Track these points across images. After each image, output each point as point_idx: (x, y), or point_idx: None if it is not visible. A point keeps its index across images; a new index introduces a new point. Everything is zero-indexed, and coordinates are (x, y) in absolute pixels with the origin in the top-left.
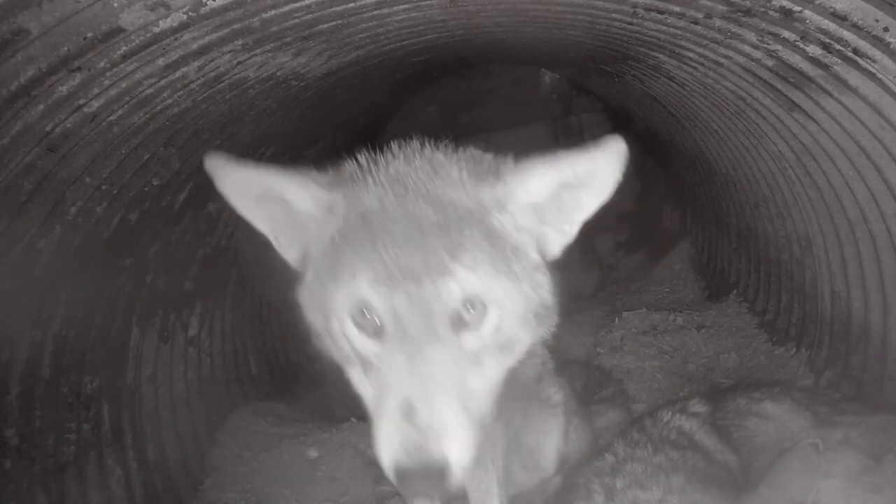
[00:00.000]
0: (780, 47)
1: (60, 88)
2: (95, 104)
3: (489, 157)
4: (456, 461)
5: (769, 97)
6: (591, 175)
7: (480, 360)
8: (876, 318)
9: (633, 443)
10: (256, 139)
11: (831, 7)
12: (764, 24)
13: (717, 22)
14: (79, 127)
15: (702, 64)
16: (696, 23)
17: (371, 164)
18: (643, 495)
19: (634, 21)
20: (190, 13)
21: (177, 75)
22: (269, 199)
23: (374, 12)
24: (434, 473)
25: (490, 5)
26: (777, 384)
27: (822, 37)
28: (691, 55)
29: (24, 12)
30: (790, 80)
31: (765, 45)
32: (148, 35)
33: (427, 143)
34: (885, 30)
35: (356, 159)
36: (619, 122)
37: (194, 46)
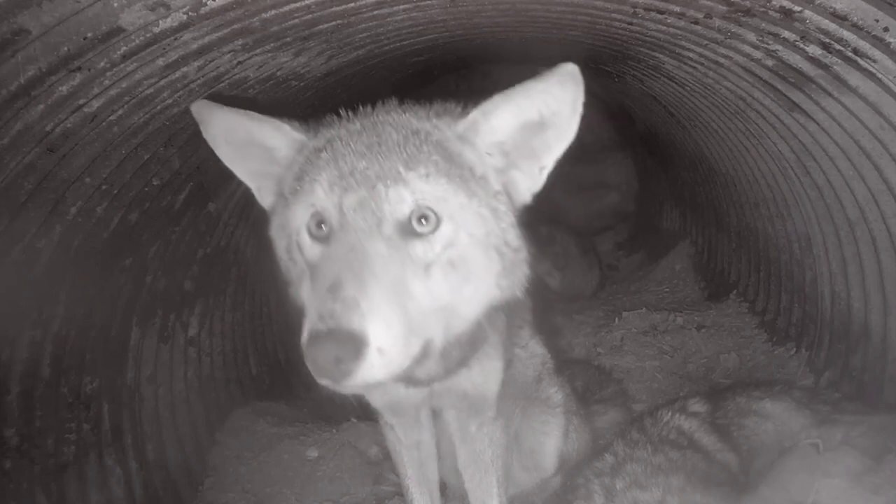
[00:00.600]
0: (780, 47)
1: (60, 88)
2: (95, 104)
3: (459, 106)
4: (374, 338)
5: (769, 97)
6: (552, 109)
7: (429, 271)
8: (876, 318)
9: (632, 443)
10: None
11: (831, 7)
12: (764, 24)
13: (717, 22)
14: (79, 127)
15: (702, 64)
16: (696, 23)
17: (347, 112)
18: (643, 496)
19: (634, 21)
20: (190, 13)
21: (177, 75)
22: (252, 146)
23: (374, 12)
24: (346, 345)
25: (490, 5)
26: (777, 383)
27: (822, 37)
28: (691, 55)
29: (24, 12)
30: (790, 80)
31: (765, 45)
32: (148, 35)
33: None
34: (885, 30)
35: (336, 112)
36: (619, 122)
37: (194, 46)
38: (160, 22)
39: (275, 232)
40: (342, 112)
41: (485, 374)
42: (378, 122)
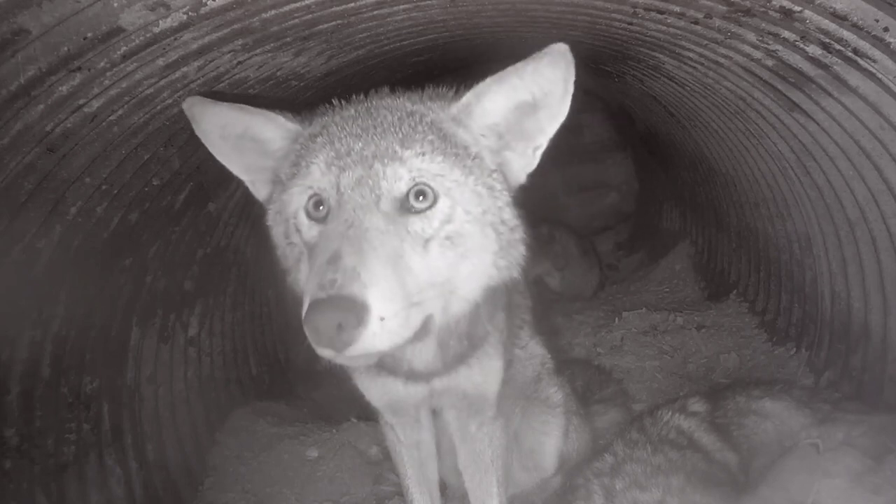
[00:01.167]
0: (780, 47)
1: (60, 88)
2: (95, 104)
3: (451, 90)
4: (375, 306)
5: (769, 97)
6: (544, 90)
7: (428, 247)
8: (876, 318)
9: (632, 443)
10: None
11: (831, 7)
12: (764, 24)
13: (717, 22)
14: (79, 127)
15: (702, 64)
16: (696, 23)
17: (341, 101)
18: (642, 496)
19: (634, 21)
20: (190, 13)
21: (177, 75)
22: (245, 141)
23: (374, 12)
24: (348, 312)
25: (490, 5)
26: (777, 382)
27: (822, 37)
28: (691, 55)
29: (24, 12)
30: (790, 80)
31: (765, 45)
32: (148, 35)
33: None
34: (885, 30)
35: (329, 101)
36: (619, 122)
37: (194, 46)
38: (160, 22)
39: (272, 220)
40: (335, 101)
41: (485, 374)
42: (372, 107)
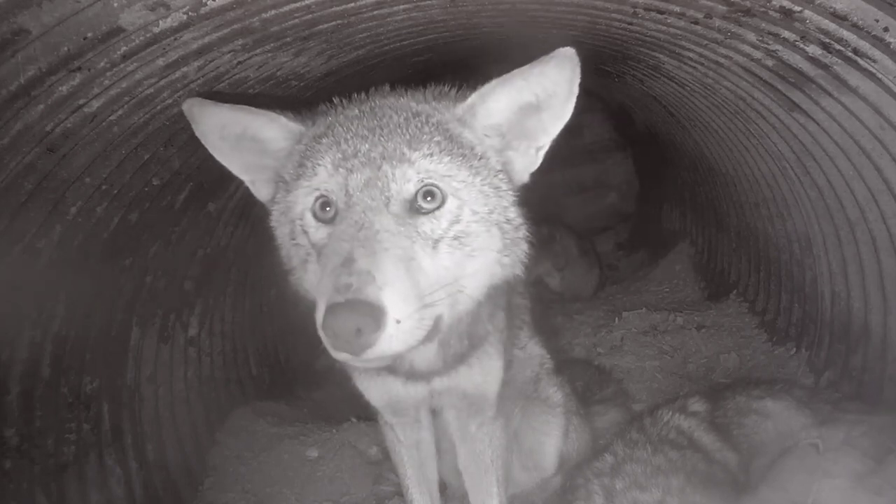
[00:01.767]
0: (780, 47)
1: (60, 88)
2: (95, 104)
3: (455, 89)
4: (392, 309)
5: (769, 97)
6: (548, 91)
7: (437, 247)
8: (876, 318)
9: (632, 443)
10: None
11: (831, 7)
12: (764, 24)
13: (717, 22)
14: (79, 127)
15: (702, 64)
16: (696, 23)
17: (342, 99)
18: (643, 496)
19: (634, 21)
20: (190, 13)
21: (177, 75)
22: (245, 141)
23: (374, 12)
24: (366, 316)
25: (490, 5)
26: (777, 382)
27: (822, 37)
28: (691, 55)
29: (24, 12)
30: (790, 80)
31: (765, 45)
32: (148, 35)
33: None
34: (885, 30)
35: (330, 99)
36: (619, 122)
37: (194, 46)
38: (160, 22)
39: (276, 220)
40: (336, 100)
41: (485, 374)
42: (377, 107)
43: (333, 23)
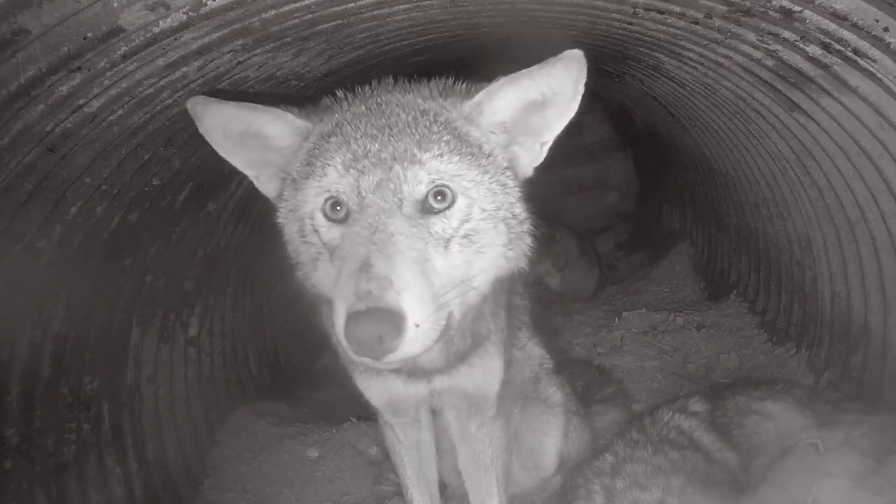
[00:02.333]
0: (780, 47)
1: (60, 88)
2: (95, 104)
3: (460, 84)
4: (411, 314)
5: (769, 97)
6: (554, 90)
7: (448, 246)
8: (876, 318)
9: (632, 443)
10: None
11: (831, 7)
12: (764, 24)
13: (717, 22)
14: (79, 127)
15: (702, 64)
16: (696, 23)
17: (347, 94)
18: (643, 496)
19: (634, 21)
20: (190, 13)
21: (177, 75)
22: (249, 137)
23: (374, 12)
24: (387, 324)
25: (490, 5)
26: (778, 382)
27: (822, 37)
28: (691, 55)
29: (24, 12)
30: (790, 80)
31: (765, 45)
32: (148, 35)
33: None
34: (885, 30)
35: (333, 94)
36: (619, 122)
37: (194, 46)
38: (160, 22)
39: (284, 217)
40: (340, 94)
41: (486, 374)
42: (384, 104)
43: (333, 23)
